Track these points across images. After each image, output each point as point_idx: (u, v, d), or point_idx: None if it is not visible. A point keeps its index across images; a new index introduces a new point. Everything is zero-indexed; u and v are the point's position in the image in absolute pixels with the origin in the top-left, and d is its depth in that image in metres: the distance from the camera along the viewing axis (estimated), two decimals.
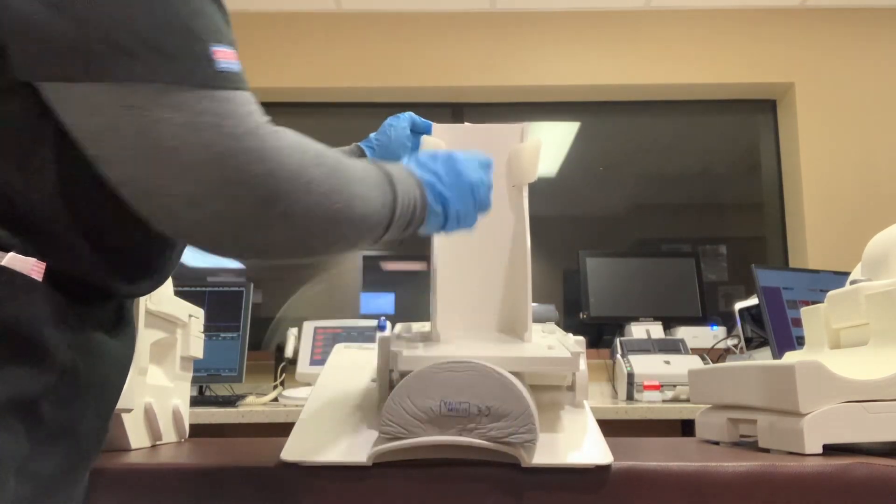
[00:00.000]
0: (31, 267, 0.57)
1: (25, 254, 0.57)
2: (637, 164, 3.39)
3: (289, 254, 0.65)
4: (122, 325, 0.69)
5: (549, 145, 3.47)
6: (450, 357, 0.76)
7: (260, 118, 0.59)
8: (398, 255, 3.29)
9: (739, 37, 3.25)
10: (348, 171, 0.65)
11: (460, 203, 0.77)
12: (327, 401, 0.92)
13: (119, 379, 0.69)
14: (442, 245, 0.94)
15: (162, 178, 0.55)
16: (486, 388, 0.74)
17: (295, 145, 0.60)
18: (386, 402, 0.76)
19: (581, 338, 0.93)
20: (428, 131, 1.04)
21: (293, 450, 0.79)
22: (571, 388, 0.93)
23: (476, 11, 3.27)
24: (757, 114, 3.41)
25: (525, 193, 0.96)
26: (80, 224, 0.61)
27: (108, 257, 0.64)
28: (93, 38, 0.53)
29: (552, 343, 0.87)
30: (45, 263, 0.57)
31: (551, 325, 1.04)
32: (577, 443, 0.81)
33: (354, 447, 0.79)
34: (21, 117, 0.57)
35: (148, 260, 0.69)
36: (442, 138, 0.99)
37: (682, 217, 3.38)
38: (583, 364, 0.89)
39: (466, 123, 1.00)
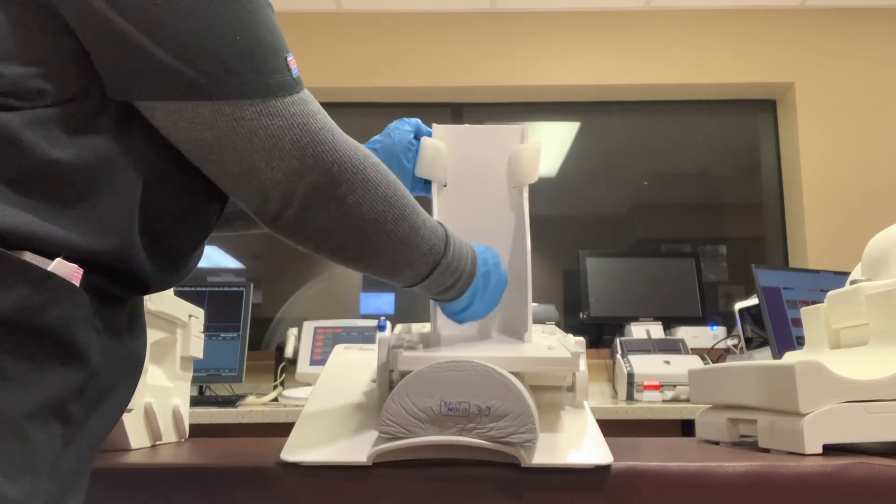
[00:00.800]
0: (72, 272, 0.59)
1: (70, 257, 0.60)
2: (637, 164, 3.39)
3: (336, 248, 0.72)
4: (135, 326, 0.71)
5: (549, 145, 3.47)
6: (450, 357, 0.76)
7: (326, 115, 0.69)
8: None
9: (739, 37, 3.25)
10: (406, 195, 0.74)
11: (487, 300, 0.86)
12: (327, 401, 0.92)
13: (133, 380, 0.71)
14: None
15: (261, 166, 0.66)
16: (486, 388, 0.74)
17: (355, 146, 0.70)
18: (386, 402, 0.76)
19: (581, 338, 0.93)
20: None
21: (293, 449, 0.79)
22: (571, 388, 0.93)
23: (476, 11, 3.27)
24: (757, 114, 3.41)
25: (525, 194, 0.97)
26: (143, 222, 0.65)
27: (154, 250, 0.68)
28: (206, 62, 0.62)
29: (552, 343, 0.87)
30: (82, 269, 0.60)
31: (552, 327, 1.04)
32: (576, 443, 0.81)
33: (354, 447, 0.78)
34: (111, 134, 0.63)
35: (182, 255, 0.73)
36: (442, 139, 0.99)
37: (682, 217, 3.38)
38: (583, 365, 0.90)
39: (466, 125, 1.00)
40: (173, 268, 0.72)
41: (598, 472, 0.75)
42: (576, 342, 0.90)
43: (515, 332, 0.95)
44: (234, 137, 0.64)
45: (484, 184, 0.99)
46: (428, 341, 0.89)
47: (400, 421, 0.75)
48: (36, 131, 0.59)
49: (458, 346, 0.85)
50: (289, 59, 0.67)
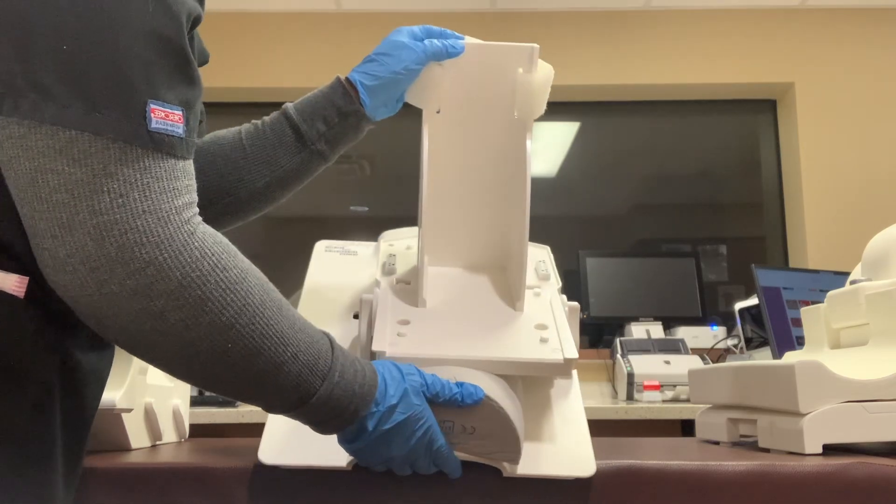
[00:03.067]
0: (12, 284, 0.53)
1: (7, 270, 0.54)
2: (637, 164, 3.39)
3: (159, 363, 0.57)
4: (98, 338, 0.64)
5: (549, 145, 3.47)
6: (435, 357, 0.72)
7: (183, 201, 0.52)
8: None
9: (739, 37, 3.25)
10: (274, 318, 0.56)
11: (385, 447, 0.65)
12: None
13: (96, 393, 0.67)
14: (432, 175, 0.82)
15: (38, 228, 0.51)
16: (474, 412, 0.68)
17: (212, 252, 0.52)
18: None
19: (575, 304, 0.88)
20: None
21: (270, 450, 0.74)
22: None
23: (476, 11, 3.27)
24: (757, 114, 3.41)
25: (530, 128, 0.84)
26: None
27: None
28: (12, 68, 0.49)
29: (546, 335, 0.79)
30: (27, 279, 0.54)
31: (545, 269, 0.96)
32: (561, 449, 0.77)
33: (334, 448, 0.70)
34: None
35: None
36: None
37: (682, 217, 3.38)
38: (573, 352, 0.80)
39: (468, 39, 0.87)
40: None
41: (598, 471, 0.75)
42: (571, 309, 0.85)
43: (510, 296, 0.88)
44: (17, 170, 0.50)
45: (482, 112, 0.86)
46: (413, 307, 0.81)
47: None
48: None
49: (445, 341, 0.77)
50: (151, 107, 0.51)
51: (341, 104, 0.83)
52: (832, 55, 3.23)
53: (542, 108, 0.85)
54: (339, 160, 0.93)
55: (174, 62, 0.53)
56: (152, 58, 0.52)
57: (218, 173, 0.83)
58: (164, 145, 0.51)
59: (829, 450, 0.81)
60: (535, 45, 0.83)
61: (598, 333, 2.91)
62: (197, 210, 0.55)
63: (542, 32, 3.26)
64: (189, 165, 0.54)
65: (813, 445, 0.80)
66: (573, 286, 2.96)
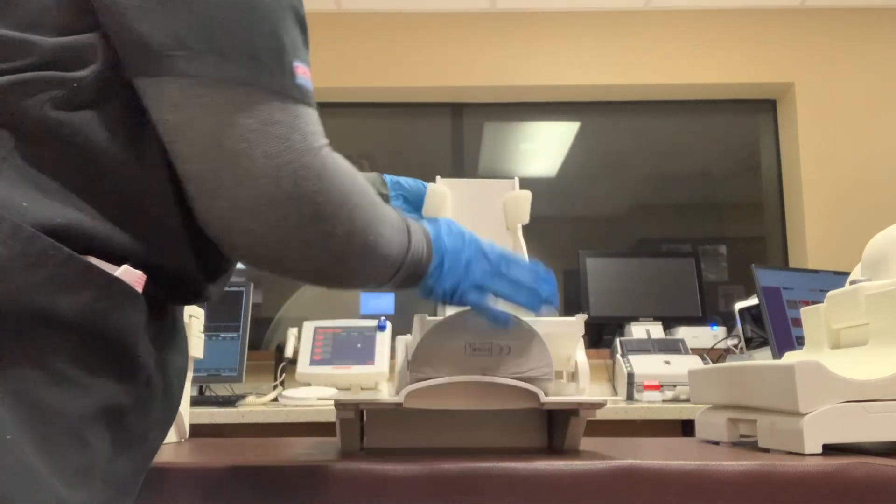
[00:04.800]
0: (137, 279, 0.58)
1: (136, 265, 0.59)
2: (637, 164, 3.39)
3: (320, 278, 0.67)
4: (177, 336, 0.70)
5: (549, 145, 3.48)
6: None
7: (322, 139, 0.62)
8: None
9: (739, 37, 3.25)
10: (382, 209, 0.68)
11: (455, 276, 0.77)
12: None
13: (180, 389, 0.71)
14: None
15: (222, 174, 0.58)
16: (505, 331, 0.83)
17: (346, 173, 0.63)
18: (416, 348, 0.83)
19: (582, 315, 0.97)
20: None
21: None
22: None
23: (476, 11, 3.27)
24: (757, 114, 3.41)
25: (520, 233, 1.07)
26: (191, 224, 0.62)
27: (207, 259, 0.66)
28: (185, 33, 0.55)
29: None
30: (146, 276, 0.59)
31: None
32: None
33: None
34: (141, 120, 0.59)
35: (227, 259, 0.70)
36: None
37: (682, 217, 3.38)
38: (581, 355, 0.97)
39: (464, 179, 1.10)
40: (224, 274, 0.71)
41: (597, 472, 0.75)
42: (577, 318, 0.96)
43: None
44: (198, 126, 0.56)
45: (482, 226, 1.07)
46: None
47: (429, 362, 0.82)
48: (99, 133, 0.58)
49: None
50: (296, 65, 0.60)
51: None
52: (832, 55, 3.23)
53: (527, 218, 1.06)
54: None
55: (302, 30, 0.63)
56: (293, 26, 0.61)
57: None
58: (306, 96, 0.61)
59: (829, 450, 0.81)
60: (516, 178, 1.09)
61: (598, 333, 2.91)
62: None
63: (542, 32, 3.26)
64: (317, 114, 0.64)
65: (813, 445, 0.80)
66: (573, 286, 2.96)
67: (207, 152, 0.57)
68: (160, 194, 0.60)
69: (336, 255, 0.64)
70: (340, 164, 0.63)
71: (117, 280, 0.57)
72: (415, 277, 0.75)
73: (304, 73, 0.61)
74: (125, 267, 0.58)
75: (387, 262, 0.70)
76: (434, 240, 0.76)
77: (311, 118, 0.61)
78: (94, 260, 0.56)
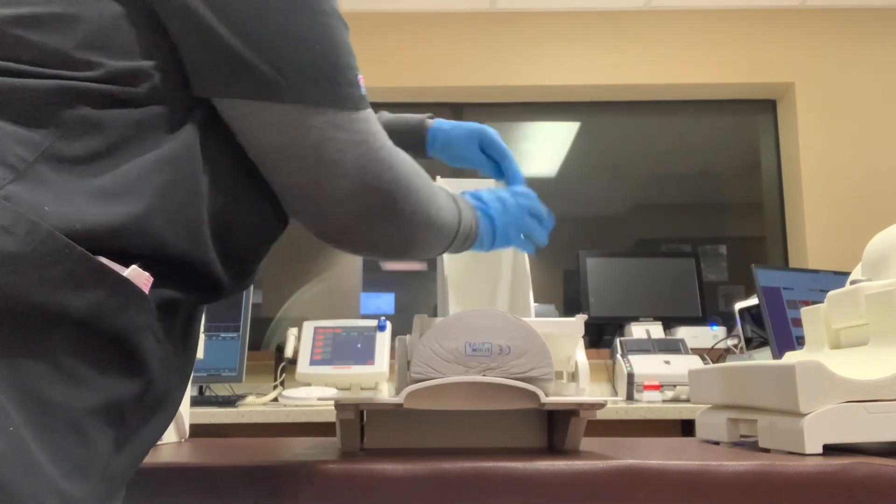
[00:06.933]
0: (144, 280, 0.60)
1: (156, 265, 0.61)
2: (637, 164, 3.39)
3: (396, 251, 0.78)
4: (189, 339, 0.71)
5: (549, 145, 3.48)
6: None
7: (384, 134, 0.71)
8: None
9: (739, 37, 3.25)
10: (434, 187, 0.79)
11: (504, 229, 0.92)
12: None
13: (181, 392, 0.72)
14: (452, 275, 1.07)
15: (321, 184, 0.67)
16: (505, 330, 0.84)
17: (405, 159, 0.73)
18: (416, 347, 0.83)
19: (582, 315, 0.98)
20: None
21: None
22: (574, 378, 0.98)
23: (476, 11, 3.27)
24: (757, 114, 3.41)
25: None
26: (215, 228, 0.66)
27: (227, 257, 0.69)
28: (285, 62, 0.63)
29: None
30: (153, 279, 0.61)
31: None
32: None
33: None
34: (189, 132, 0.63)
35: (250, 261, 0.75)
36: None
37: (682, 217, 3.38)
38: (581, 356, 0.98)
39: (465, 178, 1.14)
40: (243, 274, 0.73)
41: (597, 471, 0.75)
42: (577, 318, 0.97)
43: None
44: (301, 145, 0.65)
45: None
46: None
47: (429, 362, 0.82)
48: (131, 134, 0.60)
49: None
50: (359, 77, 0.68)
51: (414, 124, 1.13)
52: (832, 55, 3.23)
53: None
54: None
55: (349, 41, 0.70)
56: (349, 41, 0.69)
57: None
58: (367, 102, 0.70)
59: (829, 450, 0.81)
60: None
61: (598, 333, 2.91)
62: None
63: (542, 32, 3.26)
64: None
65: (813, 445, 0.80)
66: (573, 286, 2.96)
67: (310, 166, 0.66)
68: (192, 200, 0.63)
69: (407, 230, 0.74)
70: (400, 153, 0.73)
71: (126, 280, 0.59)
72: (469, 241, 0.88)
73: (362, 82, 0.69)
74: (134, 267, 0.59)
75: (445, 231, 0.81)
76: (477, 206, 0.90)
77: (373, 119, 0.70)
78: (104, 260, 0.58)
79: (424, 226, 0.76)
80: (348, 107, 0.67)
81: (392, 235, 0.74)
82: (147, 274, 0.60)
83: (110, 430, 0.59)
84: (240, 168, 0.67)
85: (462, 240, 0.86)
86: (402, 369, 0.92)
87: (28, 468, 0.51)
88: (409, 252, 0.79)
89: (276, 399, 2.32)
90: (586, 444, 0.97)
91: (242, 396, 2.26)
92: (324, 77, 0.65)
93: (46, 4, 0.60)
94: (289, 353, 2.55)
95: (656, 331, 2.63)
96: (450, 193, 0.84)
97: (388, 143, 0.71)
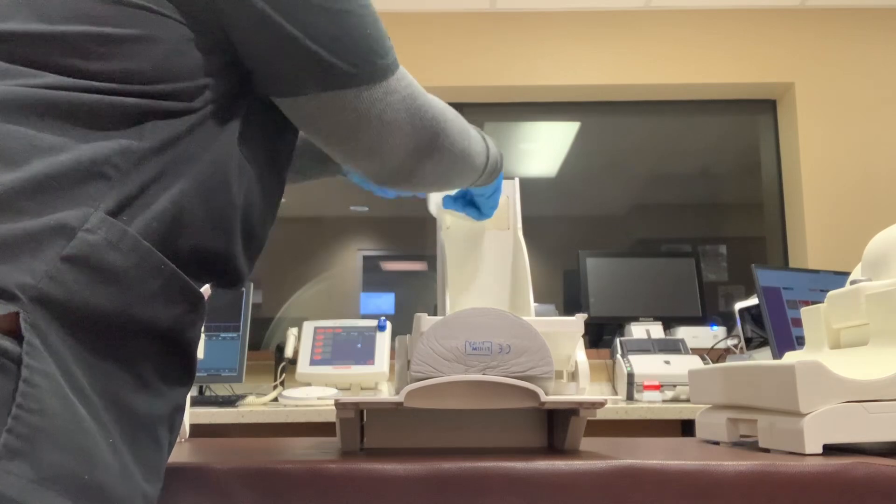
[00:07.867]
0: (207, 296, 0.68)
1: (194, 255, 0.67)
2: (637, 164, 3.39)
3: (440, 182, 0.88)
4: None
5: (549, 145, 3.47)
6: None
7: (415, 80, 0.80)
8: (398, 255, 3.29)
9: (739, 37, 3.25)
10: (462, 120, 0.88)
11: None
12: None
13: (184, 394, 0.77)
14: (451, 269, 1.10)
15: (383, 140, 0.77)
16: (505, 329, 0.84)
17: (436, 100, 0.82)
18: (416, 345, 0.83)
19: (582, 315, 0.98)
20: None
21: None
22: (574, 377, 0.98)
23: (476, 11, 3.27)
24: (757, 114, 3.41)
25: (520, 234, 1.12)
26: (242, 223, 0.72)
27: (247, 248, 0.76)
28: (353, 55, 0.72)
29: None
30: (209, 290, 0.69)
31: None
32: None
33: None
34: (227, 136, 0.69)
35: (259, 249, 0.81)
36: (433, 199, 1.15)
37: (682, 217, 3.38)
38: (581, 356, 0.98)
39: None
40: (252, 262, 0.79)
41: (597, 471, 0.75)
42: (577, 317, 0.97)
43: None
44: (371, 116, 0.75)
45: (483, 225, 1.14)
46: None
47: (429, 361, 0.82)
48: (198, 143, 0.66)
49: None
50: (392, 44, 0.78)
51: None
52: (832, 55, 3.23)
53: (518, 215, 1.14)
54: None
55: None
56: (377, 15, 0.78)
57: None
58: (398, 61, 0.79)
59: (829, 450, 0.81)
60: (516, 179, 1.16)
61: (598, 333, 2.91)
62: None
63: (542, 32, 3.26)
64: None
65: (813, 445, 0.80)
66: (573, 286, 2.96)
67: (374, 128, 0.76)
68: (229, 200, 0.69)
69: (449, 160, 0.84)
70: (432, 96, 0.82)
71: (202, 296, 0.65)
72: (496, 173, 0.98)
73: (393, 46, 0.78)
74: (207, 286, 0.67)
75: (479, 160, 0.91)
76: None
77: (405, 71, 0.79)
78: (186, 277, 0.64)
79: (461, 156, 0.86)
80: (393, 72, 0.76)
81: (436, 165, 0.84)
82: (207, 287, 0.67)
83: (170, 434, 0.66)
84: (262, 169, 0.74)
85: (491, 170, 0.96)
86: (402, 368, 0.92)
87: (124, 475, 0.56)
88: (451, 181, 0.89)
89: (276, 399, 2.32)
90: (586, 444, 0.97)
91: (242, 396, 2.26)
92: (378, 57, 0.74)
93: (130, 26, 0.64)
94: (289, 353, 2.55)
95: (656, 331, 2.63)
96: (479, 130, 0.93)
97: (420, 87, 0.81)
